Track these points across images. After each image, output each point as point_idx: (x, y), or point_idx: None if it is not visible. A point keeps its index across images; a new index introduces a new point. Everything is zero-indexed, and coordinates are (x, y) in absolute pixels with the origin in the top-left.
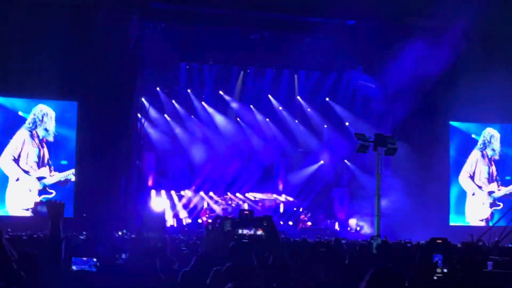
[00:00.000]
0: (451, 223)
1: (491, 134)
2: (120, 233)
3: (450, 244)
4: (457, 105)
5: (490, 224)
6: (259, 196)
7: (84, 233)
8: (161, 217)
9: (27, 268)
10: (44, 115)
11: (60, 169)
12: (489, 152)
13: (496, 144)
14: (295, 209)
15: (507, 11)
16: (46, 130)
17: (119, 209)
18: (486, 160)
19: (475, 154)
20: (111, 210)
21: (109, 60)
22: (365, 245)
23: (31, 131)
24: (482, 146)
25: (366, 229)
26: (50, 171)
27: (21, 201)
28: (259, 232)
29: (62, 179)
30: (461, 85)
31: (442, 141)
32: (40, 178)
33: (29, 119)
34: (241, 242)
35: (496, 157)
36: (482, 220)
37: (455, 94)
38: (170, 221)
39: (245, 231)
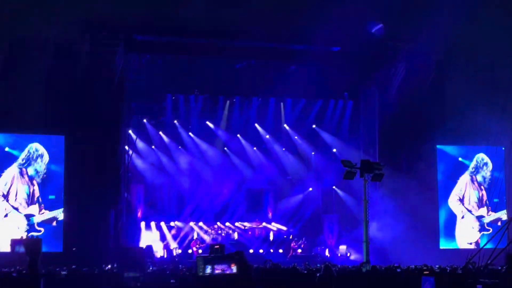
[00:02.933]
0: (441, 247)
1: (485, 161)
2: (109, 266)
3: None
4: (444, 129)
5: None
6: (248, 224)
7: (64, 268)
8: (143, 254)
9: None
10: (39, 156)
11: (49, 203)
12: (479, 177)
13: (487, 170)
14: (285, 236)
15: (490, 33)
16: (36, 171)
17: (109, 242)
18: (476, 184)
19: (465, 178)
20: (101, 244)
21: (95, 93)
22: (354, 271)
23: (21, 169)
24: (473, 170)
25: (356, 255)
26: (40, 209)
27: (9, 237)
28: (233, 268)
29: (51, 217)
30: (447, 109)
31: (430, 164)
32: (28, 216)
33: (23, 155)
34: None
35: (486, 183)
36: (471, 244)
37: (441, 118)
38: (161, 252)
39: (217, 270)
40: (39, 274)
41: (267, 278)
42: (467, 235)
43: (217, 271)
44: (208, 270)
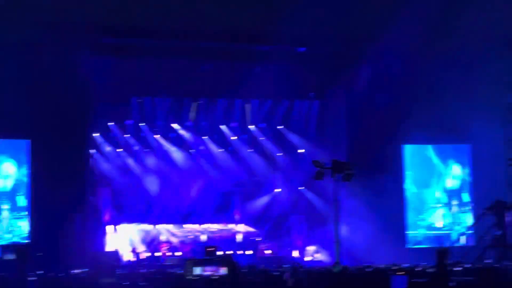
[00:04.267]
0: (410, 246)
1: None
2: (77, 271)
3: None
4: (410, 128)
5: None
6: (216, 226)
7: (36, 273)
8: (114, 259)
9: None
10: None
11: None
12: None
13: (455, 170)
14: (253, 238)
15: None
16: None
17: (75, 246)
18: (447, 182)
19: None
20: (67, 248)
21: (60, 97)
22: (324, 272)
23: None
24: (441, 172)
25: (325, 256)
26: None
27: None
28: (222, 271)
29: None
30: (414, 108)
31: (397, 163)
32: None
33: None
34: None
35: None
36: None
37: (408, 117)
38: (129, 256)
39: (206, 272)
40: (28, 280)
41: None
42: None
43: (206, 273)
44: (198, 271)
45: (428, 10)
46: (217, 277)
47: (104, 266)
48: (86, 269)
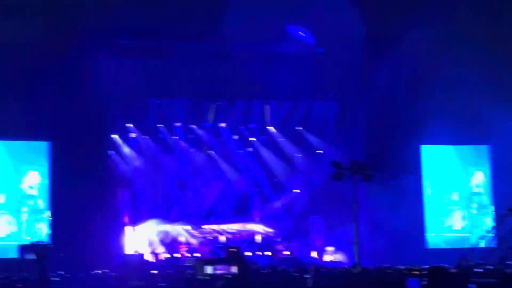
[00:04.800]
0: (429, 247)
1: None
2: (99, 271)
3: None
4: (429, 129)
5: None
6: (235, 227)
7: (57, 273)
8: (143, 262)
9: None
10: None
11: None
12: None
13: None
14: (272, 239)
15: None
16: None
17: (95, 247)
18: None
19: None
20: (88, 249)
21: (79, 98)
22: (344, 273)
23: None
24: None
25: (343, 257)
26: None
27: None
28: (233, 270)
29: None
30: (433, 108)
31: (415, 164)
32: None
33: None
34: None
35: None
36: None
37: (427, 117)
38: (148, 257)
39: (218, 270)
40: (49, 280)
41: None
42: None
43: (218, 272)
44: (209, 270)
45: (447, 9)
46: (229, 276)
47: (134, 269)
48: (107, 270)
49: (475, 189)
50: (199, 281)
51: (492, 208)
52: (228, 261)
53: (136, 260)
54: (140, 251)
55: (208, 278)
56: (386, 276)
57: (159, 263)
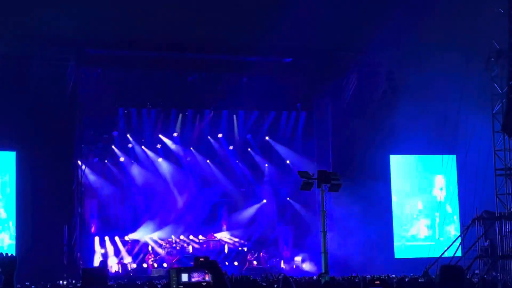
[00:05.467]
0: (396, 257)
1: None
2: (64, 282)
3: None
4: (397, 138)
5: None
6: (203, 238)
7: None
8: (102, 272)
9: None
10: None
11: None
12: (434, 189)
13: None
14: (240, 249)
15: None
16: None
17: (62, 258)
18: (433, 193)
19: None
20: (53, 260)
21: (46, 108)
22: (313, 282)
23: None
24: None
25: (312, 266)
26: None
27: None
28: (209, 277)
29: None
30: (400, 118)
31: (383, 173)
32: None
33: None
34: None
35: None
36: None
37: (394, 127)
38: (115, 267)
39: (193, 278)
40: None
41: None
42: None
43: (194, 279)
44: (185, 278)
45: (412, 20)
46: (205, 284)
47: (94, 285)
48: (73, 281)
49: (437, 193)
50: None
51: (457, 217)
52: (203, 269)
53: (97, 274)
54: (107, 262)
55: (181, 287)
56: (352, 286)
57: (126, 273)
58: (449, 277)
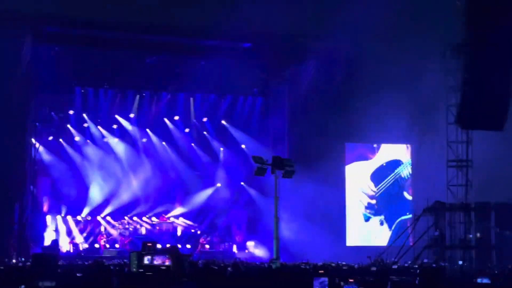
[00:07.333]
0: (348, 244)
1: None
2: (14, 260)
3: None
4: (352, 126)
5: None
6: (156, 220)
7: None
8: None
9: None
10: None
11: None
12: (388, 176)
13: (396, 170)
14: (192, 230)
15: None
16: None
17: (13, 236)
18: (385, 183)
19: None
20: (4, 238)
21: (0, 85)
22: (263, 268)
23: None
24: (381, 169)
25: (264, 251)
26: None
27: None
28: (167, 263)
29: None
30: (357, 106)
31: (338, 161)
32: None
33: None
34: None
35: (393, 181)
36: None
37: (350, 115)
38: (67, 247)
39: (156, 261)
40: None
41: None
42: (374, 231)
43: (156, 262)
44: (146, 261)
45: (372, 9)
46: (164, 267)
47: (46, 268)
48: (23, 258)
49: (391, 181)
50: (133, 274)
51: (410, 206)
52: (164, 253)
53: (47, 255)
54: (58, 241)
55: (142, 270)
56: (304, 272)
57: (77, 253)
58: (428, 277)
